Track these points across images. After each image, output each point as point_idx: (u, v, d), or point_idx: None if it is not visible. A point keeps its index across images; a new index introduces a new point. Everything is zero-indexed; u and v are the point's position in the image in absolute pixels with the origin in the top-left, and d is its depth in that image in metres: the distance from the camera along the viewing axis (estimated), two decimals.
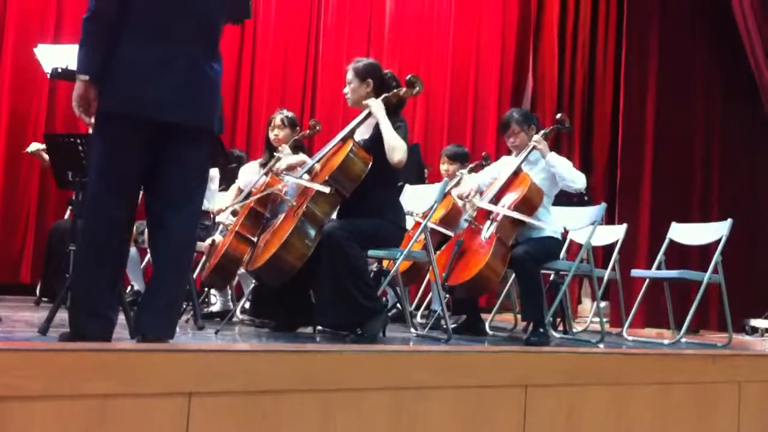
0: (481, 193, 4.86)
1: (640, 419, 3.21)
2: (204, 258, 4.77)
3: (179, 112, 2.67)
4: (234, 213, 4.81)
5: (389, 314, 4.68)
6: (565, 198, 5.14)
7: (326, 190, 3.70)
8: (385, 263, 4.64)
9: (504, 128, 4.64)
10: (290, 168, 4.29)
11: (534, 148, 4.47)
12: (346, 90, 4.01)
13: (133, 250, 4.85)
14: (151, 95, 2.63)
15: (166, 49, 2.66)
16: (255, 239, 4.27)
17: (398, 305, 5.20)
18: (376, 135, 3.84)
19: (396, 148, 3.76)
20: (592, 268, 4.70)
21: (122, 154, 2.66)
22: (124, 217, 2.72)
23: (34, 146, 5.33)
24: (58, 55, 4.36)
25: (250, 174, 4.93)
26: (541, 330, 4.21)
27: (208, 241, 4.75)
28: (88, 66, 2.66)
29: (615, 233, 5.41)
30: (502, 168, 4.68)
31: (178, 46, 2.68)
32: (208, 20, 2.78)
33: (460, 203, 5.08)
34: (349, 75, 3.99)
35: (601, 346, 4.34)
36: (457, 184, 5.20)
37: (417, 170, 5.66)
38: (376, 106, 3.86)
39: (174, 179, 2.73)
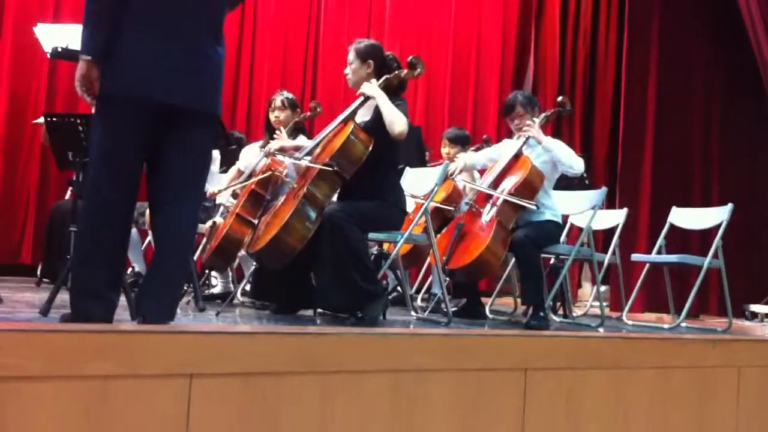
0: (482, 172, 4.86)
1: (639, 403, 3.22)
2: (205, 240, 4.77)
3: (181, 94, 2.65)
4: (234, 195, 4.81)
5: (389, 297, 4.69)
6: (566, 182, 5.13)
7: (328, 168, 3.70)
8: (385, 246, 4.64)
9: (508, 110, 4.60)
10: (282, 150, 4.28)
11: (528, 134, 4.46)
12: (347, 71, 4.00)
13: (133, 231, 4.84)
14: (153, 78, 2.62)
15: (168, 34, 2.64)
16: (256, 221, 4.26)
17: (398, 288, 5.21)
18: (377, 117, 3.82)
19: (395, 122, 3.74)
20: (592, 252, 4.70)
21: (123, 137, 2.64)
22: (124, 199, 2.71)
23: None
24: (58, 35, 4.33)
25: (251, 156, 4.91)
26: (541, 314, 4.22)
27: (209, 223, 4.75)
28: (91, 46, 2.64)
29: (615, 217, 5.40)
30: (502, 151, 4.67)
31: (181, 31, 2.66)
32: (209, 5, 2.76)
33: (460, 186, 5.08)
34: (351, 56, 3.98)
35: (601, 330, 4.35)
36: None
37: (418, 153, 5.64)
38: (369, 88, 3.84)
39: (177, 166, 2.72)
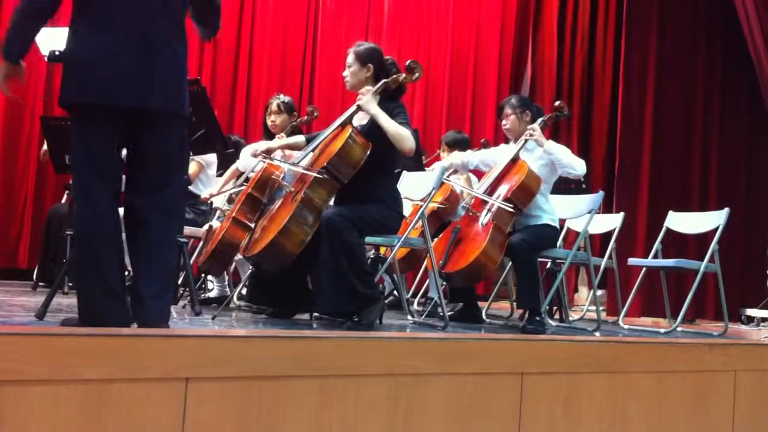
0: (479, 176, 4.86)
1: (635, 407, 3.23)
2: (201, 244, 4.76)
3: (143, 98, 2.66)
4: (230, 199, 4.80)
5: (386, 301, 4.69)
6: (563, 186, 5.14)
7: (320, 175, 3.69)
8: (382, 250, 4.63)
9: (499, 112, 4.67)
10: (269, 152, 4.24)
11: (529, 137, 4.46)
12: (346, 73, 3.97)
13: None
14: (113, 84, 2.62)
15: (126, 38, 2.65)
16: (252, 225, 4.25)
17: (395, 292, 5.20)
18: (375, 121, 3.81)
19: (403, 139, 3.72)
20: (589, 256, 4.71)
21: (95, 142, 2.65)
22: (114, 197, 2.72)
23: None
24: (55, 38, 4.32)
25: (250, 157, 4.90)
26: (538, 318, 4.22)
27: (206, 226, 4.74)
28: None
29: (612, 221, 5.41)
30: (499, 155, 4.67)
31: (139, 34, 2.66)
32: (167, 7, 2.76)
33: (458, 190, 5.08)
34: (350, 58, 3.95)
35: (598, 334, 4.35)
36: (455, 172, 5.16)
37: (415, 156, 5.63)
38: (371, 106, 3.80)
39: (149, 168, 2.74)
